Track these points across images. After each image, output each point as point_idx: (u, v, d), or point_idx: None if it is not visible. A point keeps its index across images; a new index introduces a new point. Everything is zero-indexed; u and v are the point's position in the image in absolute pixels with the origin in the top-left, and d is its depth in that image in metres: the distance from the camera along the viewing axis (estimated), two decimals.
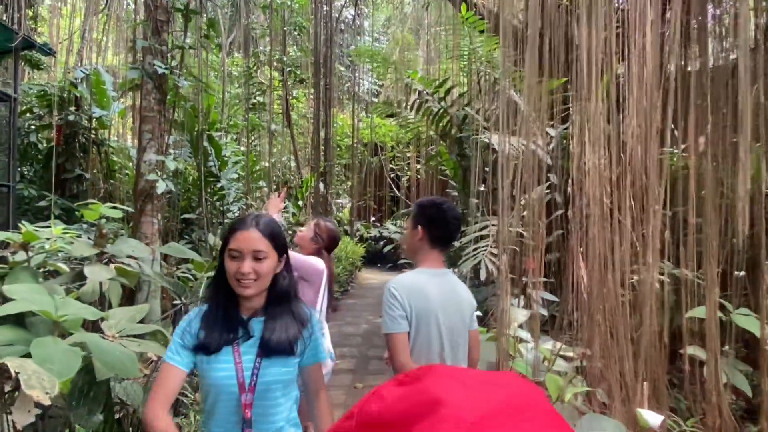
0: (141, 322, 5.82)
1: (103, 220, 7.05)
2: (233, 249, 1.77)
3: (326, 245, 3.42)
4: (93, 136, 8.87)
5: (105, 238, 3.89)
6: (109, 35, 11.13)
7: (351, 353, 6.66)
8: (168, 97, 6.33)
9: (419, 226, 2.36)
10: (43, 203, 8.00)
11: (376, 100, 20.79)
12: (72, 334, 2.65)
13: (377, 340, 7.30)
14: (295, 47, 16.01)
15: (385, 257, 16.35)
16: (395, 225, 17.66)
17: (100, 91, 8.73)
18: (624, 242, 4.49)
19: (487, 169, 6.82)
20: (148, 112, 5.78)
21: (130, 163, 8.94)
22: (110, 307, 5.04)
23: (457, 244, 8.09)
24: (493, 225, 5.17)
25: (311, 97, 14.18)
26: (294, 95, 15.99)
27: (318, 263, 3.25)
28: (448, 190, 8.85)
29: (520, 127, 5.86)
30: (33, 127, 8.56)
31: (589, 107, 4.77)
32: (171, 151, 9.33)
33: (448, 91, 6.84)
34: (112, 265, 4.27)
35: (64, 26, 11.89)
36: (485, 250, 5.00)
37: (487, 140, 5.94)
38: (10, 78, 7.58)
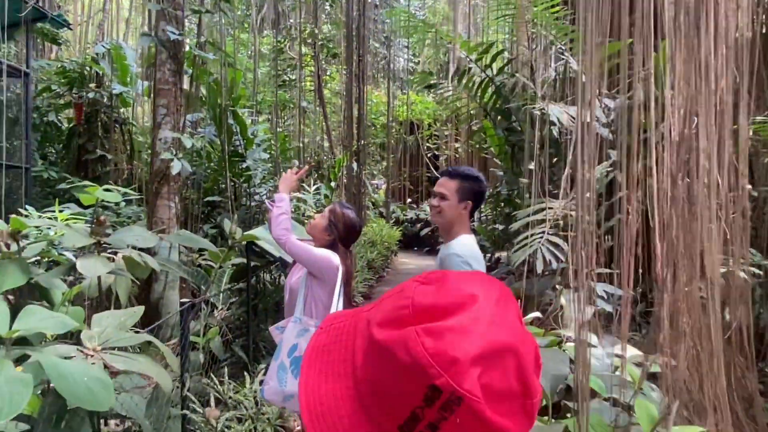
0: (149, 320, 5.35)
1: (122, 204, 6.60)
2: None
3: (342, 236, 2.80)
4: (115, 114, 8.49)
5: (103, 225, 3.40)
6: (133, 10, 10.74)
7: None
8: (186, 68, 5.83)
9: (469, 201, 2.38)
10: (64, 185, 7.67)
11: (411, 77, 20.05)
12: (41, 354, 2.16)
13: None
14: (328, 24, 15.40)
15: (422, 240, 15.78)
16: None
17: (121, 67, 8.33)
18: (709, 228, 3.79)
19: (536, 144, 6.12)
20: (162, 85, 5.29)
21: None
22: (117, 303, 4.61)
23: (500, 225, 7.42)
24: (550, 208, 4.51)
25: (344, 73, 13.57)
26: (327, 72, 15.42)
27: (332, 257, 2.66)
28: (492, 168, 8.17)
29: (579, 96, 5.16)
30: (52, 105, 8.21)
31: (675, 67, 4.04)
32: (199, 129, 8.90)
33: (494, 57, 6.14)
34: (120, 254, 3.81)
35: (88, 1, 11.56)
36: (542, 237, 4.35)
37: (540, 112, 5.25)
38: (32, 54, 7.21)
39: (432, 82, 6.75)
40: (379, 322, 0.59)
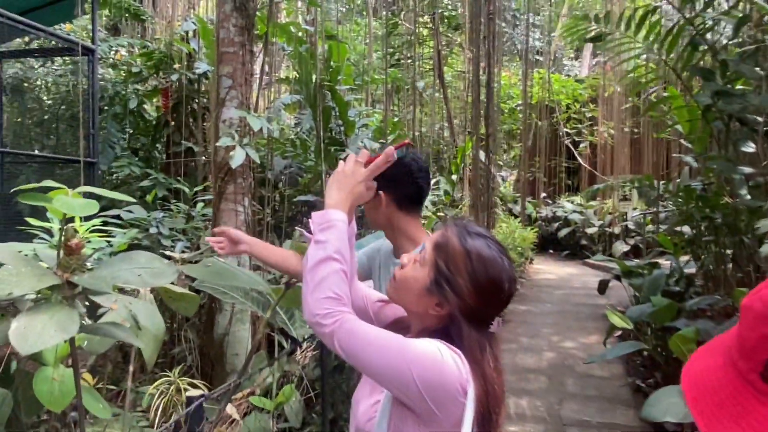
0: (212, 364, 4.11)
1: (198, 205, 5.47)
2: None
3: (472, 307, 1.16)
4: (204, 99, 7.52)
5: (76, 254, 2.08)
6: None
7: (534, 411, 4.42)
8: (258, 28, 4.56)
9: (380, 192, 1.74)
10: (146, 183, 6.80)
11: (540, 58, 17.92)
12: None
13: (573, 384, 4.98)
14: None
15: (560, 242, 13.71)
16: (572, 202, 14.82)
17: (209, 44, 7.31)
18: None
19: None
20: (226, 48, 4.02)
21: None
22: (142, 366, 3.38)
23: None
24: None
25: (469, 50, 11.90)
26: (449, 49, 13.82)
27: (445, 362, 1.06)
28: (677, 155, 6.13)
29: None
30: (136, 92, 7.40)
31: None
32: (300, 115, 7.73)
33: None
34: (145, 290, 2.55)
35: None
36: None
37: None
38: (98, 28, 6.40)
39: (596, 32, 4.89)
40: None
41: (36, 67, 6.98)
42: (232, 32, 3.98)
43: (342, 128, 6.01)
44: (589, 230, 12.97)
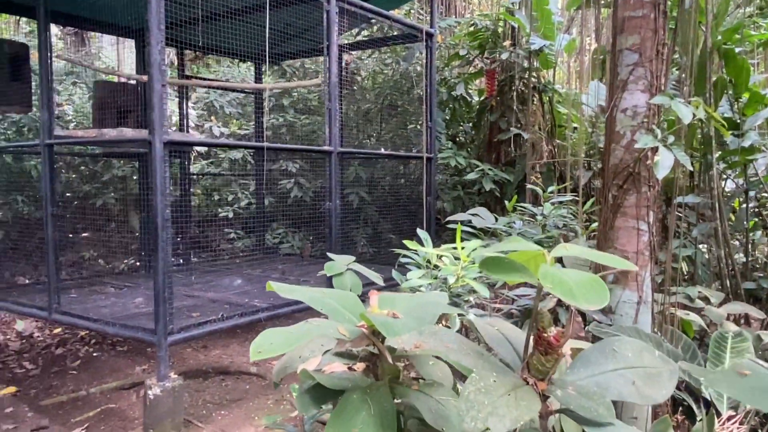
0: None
1: (546, 206, 4.86)
2: None
3: None
4: (533, 80, 6.70)
5: (555, 353, 1.36)
6: None
7: None
8: None
9: None
10: (472, 175, 6.30)
11: None
12: None
13: None
14: None
15: None
16: None
17: (542, 14, 6.45)
18: None
19: None
20: (631, 10, 3.06)
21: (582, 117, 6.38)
22: None
23: None
24: None
25: None
26: None
27: None
28: None
29: None
30: (461, 75, 6.92)
31: None
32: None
33: None
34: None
35: None
36: None
37: None
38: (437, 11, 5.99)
39: None
40: None
41: (367, 57, 6.99)
42: None
43: (736, 106, 4.57)
44: None
